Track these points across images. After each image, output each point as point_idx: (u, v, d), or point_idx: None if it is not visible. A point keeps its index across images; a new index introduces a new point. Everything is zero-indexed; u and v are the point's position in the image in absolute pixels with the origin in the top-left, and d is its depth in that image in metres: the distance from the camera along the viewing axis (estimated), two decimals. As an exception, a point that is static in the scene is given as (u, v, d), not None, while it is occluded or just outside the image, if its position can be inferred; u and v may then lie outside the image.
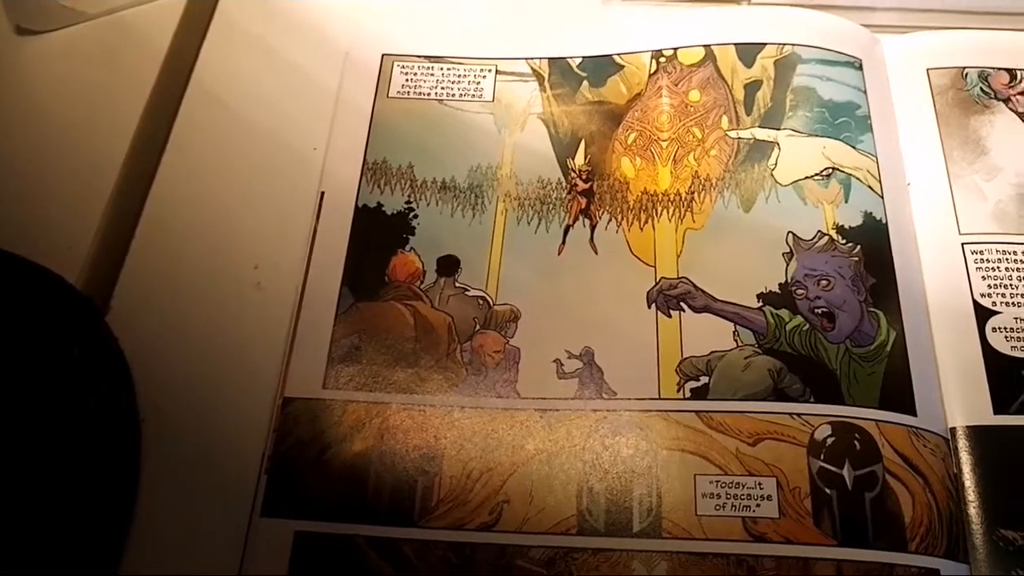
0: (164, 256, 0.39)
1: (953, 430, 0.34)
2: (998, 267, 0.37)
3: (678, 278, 0.36)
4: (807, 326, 0.35)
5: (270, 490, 0.33)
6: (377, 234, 0.39)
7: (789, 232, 0.37)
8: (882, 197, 0.38)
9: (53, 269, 0.37)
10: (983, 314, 0.36)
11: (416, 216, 0.39)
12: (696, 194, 0.38)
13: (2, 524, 0.31)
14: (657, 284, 0.36)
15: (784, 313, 0.35)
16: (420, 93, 0.42)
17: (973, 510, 0.33)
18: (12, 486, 0.32)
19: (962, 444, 0.34)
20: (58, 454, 0.33)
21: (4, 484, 0.32)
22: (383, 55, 0.43)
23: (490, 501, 0.33)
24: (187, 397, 0.36)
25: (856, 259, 0.36)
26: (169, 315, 0.37)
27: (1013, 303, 0.37)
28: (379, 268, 0.38)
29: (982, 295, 0.37)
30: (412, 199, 0.40)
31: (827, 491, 0.32)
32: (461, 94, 0.42)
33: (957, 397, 0.35)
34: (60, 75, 0.43)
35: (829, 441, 0.32)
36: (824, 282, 0.36)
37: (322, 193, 0.40)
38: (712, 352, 0.35)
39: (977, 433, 0.34)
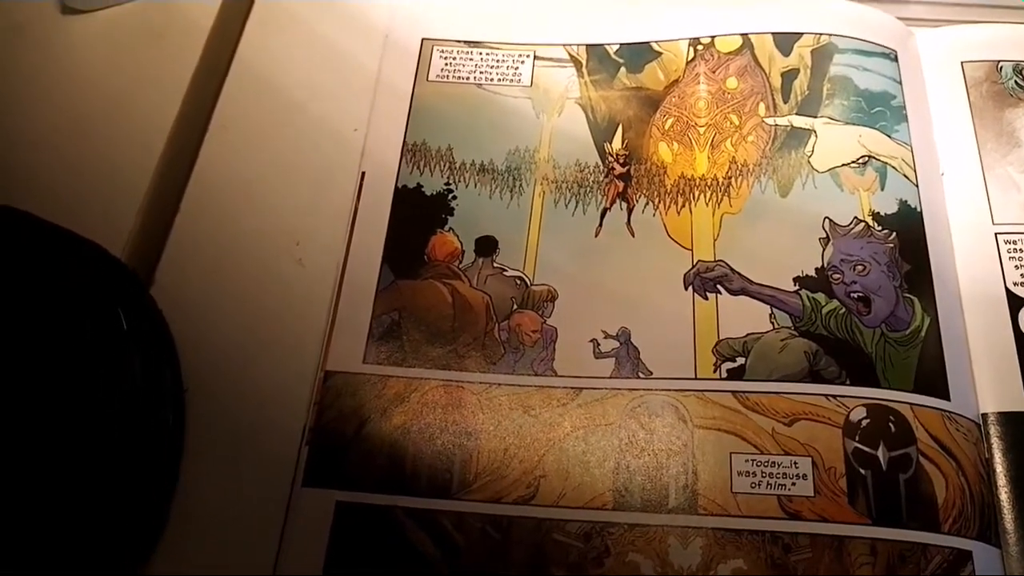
0: (207, 232, 0.39)
1: (985, 416, 0.35)
2: (1031, 256, 0.38)
3: (715, 261, 0.37)
4: (843, 310, 0.35)
5: (311, 461, 0.34)
6: (416, 214, 0.39)
7: (825, 218, 0.37)
8: (917, 186, 0.38)
9: (99, 243, 0.38)
10: (1016, 302, 0.37)
11: (455, 197, 0.40)
12: (733, 179, 0.39)
13: (49, 493, 0.32)
14: (694, 267, 0.37)
15: (820, 297, 0.36)
16: (459, 77, 0.43)
17: (1005, 494, 0.33)
18: (60, 455, 0.33)
19: (994, 429, 0.34)
20: (105, 424, 0.34)
21: (52, 453, 0.33)
22: (423, 39, 0.44)
23: (527, 476, 0.33)
24: (230, 370, 0.36)
25: (891, 245, 0.37)
26: (212, 289, 0.38)
27: (1045, 292, 0.37)
28: (418, 247, 0.39)
29: (1015, 283, 0.37)
30: (451, 181, 0.40)
31: (862, 471, 0.32)
32: (500, 79, 0.43)
33: (989, 383, 0.35)
34: (104, 54, 0.44)
35: (864, 423, 0.33)
36: (860, 267, 0.36)
37: (363, 173, 0.41)
38: (749, 334, 0.35)
39: (1009, 419, 0.34)
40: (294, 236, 0.39)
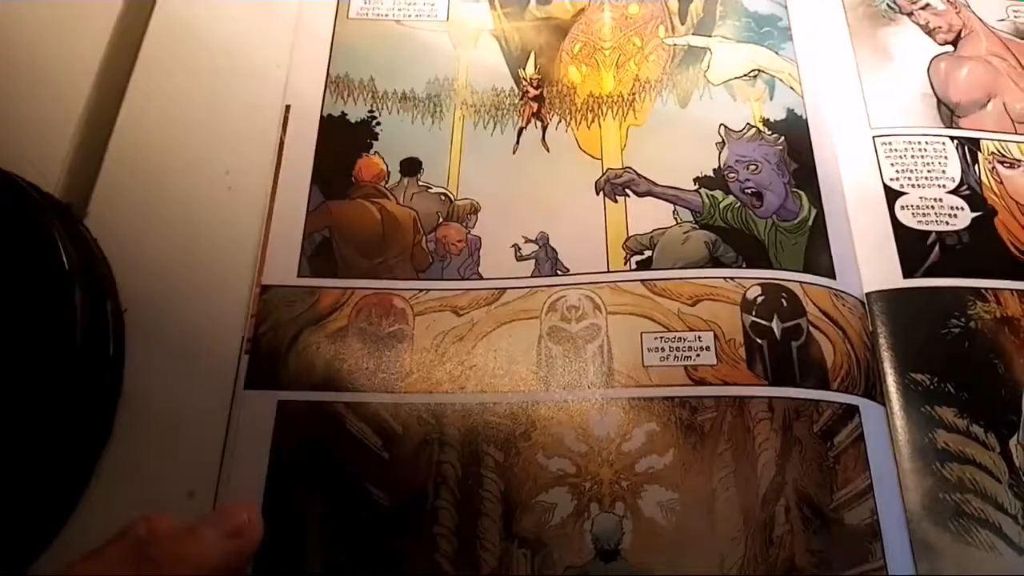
0: (138, 165, 0.41)
1: (869, 295, 0.38)
2: (904, 155, 0.42)
3: (623, 168, 0.40)
4: (738, 204, 0.39)
5: (252, 368, 0.36)
6: (342, 140, 0.41)
7: (721, 125, 0.41)
8: (802, 96, 0.42)
9: (32, 180, 0.39)
10: (892, 195, 0.41)
11: (379, 124, 0.42)
12: (637, 95, 0.42)
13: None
14: (604, 174, 0.40)
15: (718, 194, 0.39)
16: (379, 14, 0.45)
17: (887, 362, 0.37)
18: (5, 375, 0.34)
19: (877, 306, 0.38)
20: (48, 342, 0.35)
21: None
22: (341, -21, 0.46)
23: (457, 368, 0.36)
24: (167, 290, 0.38)
25: (780, 147, 0.40)
26: (145, 218, 0.39)
27: (918, 185, 0.41)
28: (346, 170, 0.41)
29: (891, 179, 0.41)
30: (374, 108, 0.42)
31: (759, 340, 0.35)
32: (417, 15, 0.45)
33: (871, 266, 0.39)
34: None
35: (759, 299, 0.36)
36: (753, 166, 0.39)
37: (287, 106, 0.42)
38: (654, 230, 0.38)
39: (889, 295, 0.38)
40: (223, 165, 0.41)
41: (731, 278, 0.37)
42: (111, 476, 0.34)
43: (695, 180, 0.39)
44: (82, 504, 0.34)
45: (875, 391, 0.36)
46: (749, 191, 0.39)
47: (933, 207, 0.41)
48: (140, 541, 0.29)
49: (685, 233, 0.38)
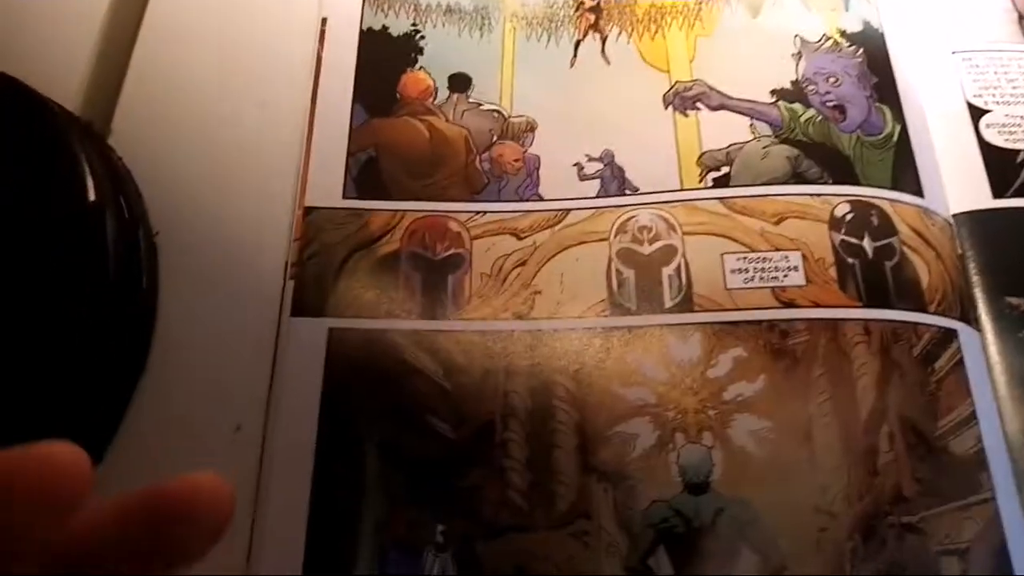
0: (161, 80, 0.37)
1: (957, 216, 0.36)
2: (987, 72, 0.39)
3: (692, 80, 0.37)
4: (820, 117, 0.36)
5: (298, 294, 0.33)
6: (385, 55, 0.38)
7: (796, 35, 0.38)
8: (878, 9, 0.39)
9: (51, 96, 0.35)
10: (976, 113, 0.38)
11: (423, 37, 0.39)
12: (704, 4, 0.39)
13: (33, 336, 0.30)
14: (672, 87, 0.37)
15: (798, 107, 0.36)
16: (418, -78, 0.42)
17: (979, 283, 0.34)
18: (36, 305, 0.31)
19: (965, 227, 0.36)
20: (77, 269, 0.32)
21: (31, 303, 0.30)
22: None
23: (522, 293, 0.33)
24: (200, 212, 0.35)
25: (859, 60, 0.37)
26: (171, 136, 0.36)
27: (1003, 102, 0.38)
28: (390, 87, 0.37)
29: (975, 96, 0.38)
30: (417, 21, 0.39)
31: (850, 260, 0.33)
32: (459, -77, 0.42)
33: (958, 186, 0.36)
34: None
35: (848, 217, 0.34)
36: (833, 79, 0.37)
37: (324, 19, 0.39)
38: (731, 144, 0.35)
39: (979, 216, 0.36)
40: (256, 80, 0.38)
41: (817, 195, 0.34)
42: (148, 412, 0.31)
43: (772, 93, 0.36)
44: (117, 443, 0.31)
45: (970, 316, 0.33)
46: (831, 104, 0.36)
47: (1021, 125, 0.38)
48: None
49: (764, 148, 0.35)
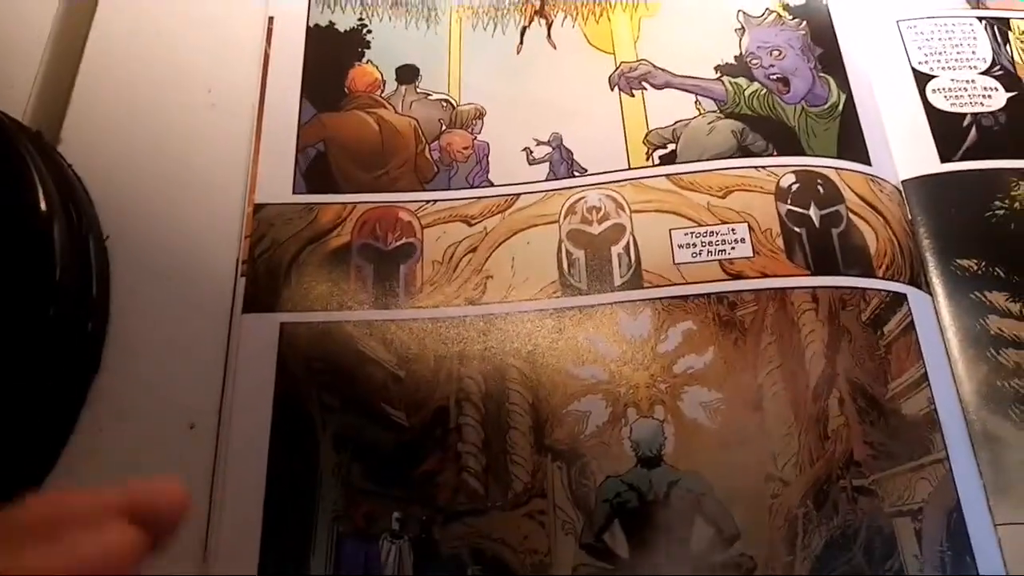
0: (112, 85, 0.37)
1: (905, 182, 0.36)
2: (932, 38, 0.39)
3: (637, 61, 0.37)
4: (764, 91, 0.36)
5: (250, 291, 0.33)
6: (332, 50, 0.38)
7: (739, 10, 0.38)
8: (822, -19, 0.39)
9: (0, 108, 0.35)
10: (922, 79, 0.38)
11: (370, 31, 0.39)
12: (647, -16, 0.39)
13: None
14: (617, 68, 0.37)
15: (742, 81, 0.36)
16: (361, -82, 0.42)
17: (929, 247, 0.35)
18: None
19: (915, 192, 0.36)
20: (26, 277, 0.32)
21: None
22: None
23: (474, 278, 0.33)
24: (151, 214, 0.35)
25: (803, 32, 0.38)
26: (123, 140, 0.36)
27: (948, 67, 0.38)
28: (337, 81, 0.38)
29: (920, 63, 0.39)
30: (364, 16, 0.39)
31: (796, 229, 0.33)
32: (403, -84, 0.42)
33: (906, 152, 0.36)
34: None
35: (794, 187, 0.34)
36: (776, 52, 0.37)
37: (271, 18, 0.39)
38: (677, 121, 0.35)
39: (927, 181, 0.36)
40: (205, 81, 0.38)
41: (763, 167, 0.34)
42: (103, 411, 0.31)
43: (716, 68, 0.37)
44: (73, 444, 0.31)
45: (920, 280, 0.33)
46: (774, 77, 0.36)
47: (966, 89, 0.38)
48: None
49: (710, 123, 0.35)
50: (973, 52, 0.39)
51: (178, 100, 0.37)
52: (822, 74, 0.37)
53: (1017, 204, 0.35)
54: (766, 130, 0.35)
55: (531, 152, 0.36)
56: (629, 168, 0.35)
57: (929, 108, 0.38)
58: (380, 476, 0.30)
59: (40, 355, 0.30)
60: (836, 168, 0.34)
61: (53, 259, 0.32)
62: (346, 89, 0.37)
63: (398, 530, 0.29)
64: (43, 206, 0.32)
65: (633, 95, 0.36)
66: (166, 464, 0.30)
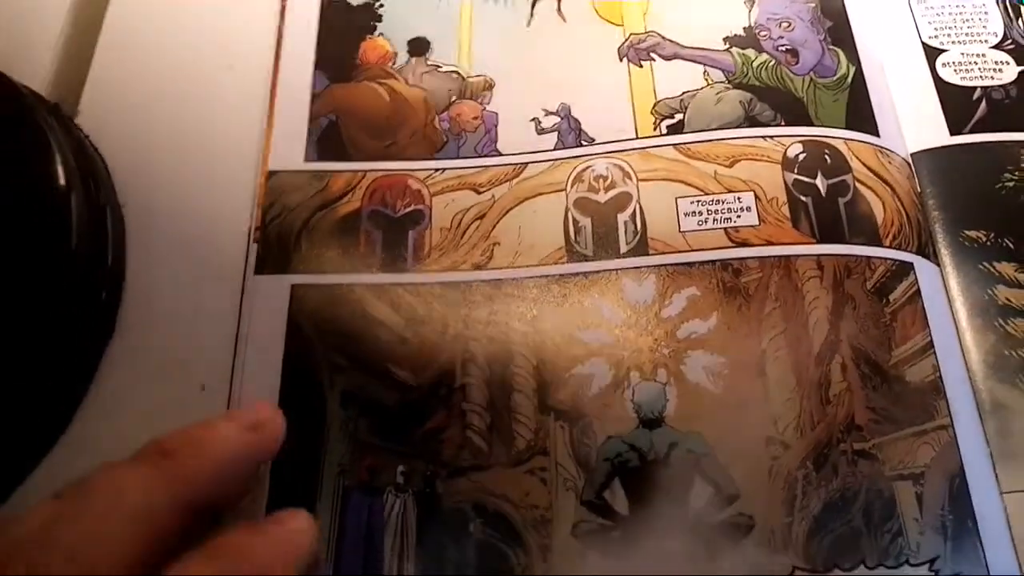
0: (129, 57, 0.38)
1: (915, 155, 0.36)
2: (942, 13, 0.39)
3: (646, 32, 0.37)
4: (773, 62, 0.36)
5: (262, 256, 0.34)
6: (344, 24, 0.39)
7: (749, -19, 0.38)
8: (833, -46, 0.39)
9: (19, 79, 0.36)
10: (932, 53, 0.38)
11: (381, 5, 0.39)
12: (657, -43, 0.39)
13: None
14: (626, 40, 0.37)
15: (750, 52, 0.36)
16: None
17: (938, 219, 0.35)
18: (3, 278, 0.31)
19: (924, 165, 0.36)
20: (43, 247, 0.32)
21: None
22: None
23: (481, 244, 0.34)
24: (167, 182, 0.36)
25: (812, 4, 0.38)
26: (139, 112, 0.37)
27: (958, 41, 0.38)
28: (350, 54, 0.38)
29: (930, 37, 0.39)
30: (376, -10, 0.40)
31: (803, 198, 0.33)
32: None
33: (916, 125, 0.36)
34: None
35: (801, 157, 0.34)
36: (785, 24, 0.37)
37: (285, -8, 0.40)
38: (685, 92, 0.36)
39: (937, 154, 0.36)
40: (221, 55, 0.38)
41: (770, 136, 0.34)
42: (117, 374, 0.32)
43: (725, 40, 0.37)
44: (87, 404, 0.32)
45: (928, 251, 0.33)
46: (783, 48, 0.36)
47: (976, 63, 0.38)
48: (156, 450, 0.27)
49: (718, 94, 0.35)
50: (984, 26, 0.39)
51: (195, 72, 0.38)
52: (831, 47, 0.37)
53: (1028, 176, 0.35)
54: (774, 100, 0.35)
55: (539, 122, 0.36)
56: (637, 138, 0.35)
57: (939, 82, 0.37)
58: (386, 431, 0.30)
59: (56, 322, 0.31)
60: (844, 139, 0.34)
61: (70, 229, 0.33)
62: (358, 61, 0.38)
63: (403, 484, 0.29)
64: (61, 178, 0.33)
65: (641, 66, 0.37)
66: (177, 424, 0.31)
